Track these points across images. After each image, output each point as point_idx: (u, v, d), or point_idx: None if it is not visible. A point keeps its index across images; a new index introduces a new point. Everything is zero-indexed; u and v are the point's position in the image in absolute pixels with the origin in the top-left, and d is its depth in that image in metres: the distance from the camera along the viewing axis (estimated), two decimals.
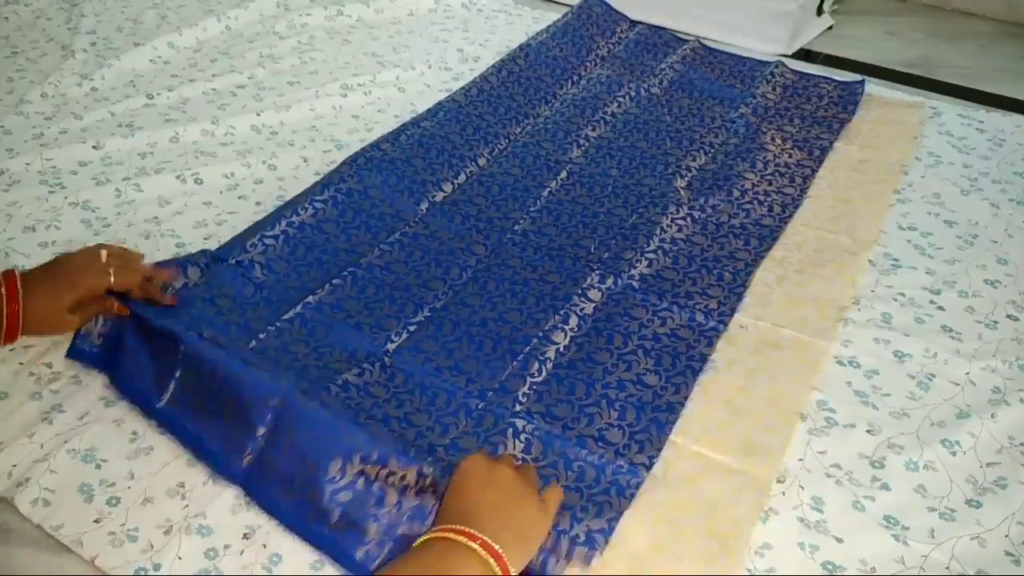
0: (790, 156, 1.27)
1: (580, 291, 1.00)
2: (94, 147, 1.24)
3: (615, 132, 1.33)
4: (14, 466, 0.79)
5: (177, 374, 0.84)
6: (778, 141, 1.30)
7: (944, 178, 1.26)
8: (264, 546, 0.74)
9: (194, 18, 1.65)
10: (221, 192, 1.18)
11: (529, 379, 0.90)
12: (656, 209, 1.14)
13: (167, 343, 0.85)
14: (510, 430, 0.84)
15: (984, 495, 0.80)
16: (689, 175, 1.23)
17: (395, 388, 0.88)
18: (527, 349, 0.93)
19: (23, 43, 1.57)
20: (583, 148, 1.29)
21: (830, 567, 0.74)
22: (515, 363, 0.91)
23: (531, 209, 1.15)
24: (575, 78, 1.49)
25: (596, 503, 0.77)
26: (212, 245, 1.05)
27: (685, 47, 1.58)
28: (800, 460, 0.83)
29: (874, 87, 1.49)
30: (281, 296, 0.97)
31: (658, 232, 1.10)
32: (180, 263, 0.98)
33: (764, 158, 1.26)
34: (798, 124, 1.36)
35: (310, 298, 0.97)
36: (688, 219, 1.14)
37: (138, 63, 1.50)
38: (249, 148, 1.28)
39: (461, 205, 1.15)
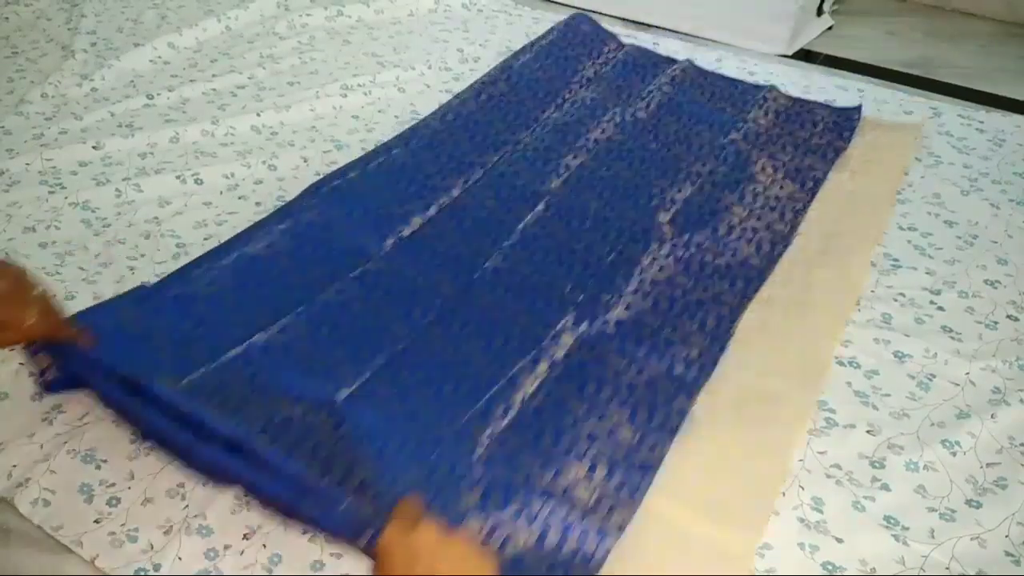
0: (781, 188, 1.20)
1: (552, 335, 0.93)
2: (94, 147, 1.24)
3: (597, 160, 1.25)
4: (14, 466, 0.79)
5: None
6: (769, 171, 1.23)
7: (944, 178, 1.26)
8: (264, 546, 0.74)
9: (194, 18, 1.65)
10: (221, 192, 1.18)
11: (491, 425, 0.83)
12: (637, 246, 1.07)
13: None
14: (464, 480, 0.77)
15: (984, 495, 0.80)
16: (674, 208, 1.15)
17: (339, 437, 0.78)
18: (491, 393, 0.85)
19: (23, 43, 1.57)
20: (563, 177, 1.21)
21: (830, 567, 0.74)
22: (477, 407, 0.84)
23: (504, 245, 1.07)
24: (559, 101, 1.41)
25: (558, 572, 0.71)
26: (212, 245, 1.05)
27: (675, 68, 1.50)
28: (800, 460, 0.83)
29: (869, 102, 1.49)
30: (223, 333, 0.89)
31: (638, 272, 1.03)
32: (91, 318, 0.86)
33: (754, 190, 1.19)
34: (791, 152, 1.28)
35: (256, 337, 0.89)
36: (671, 258, 1.06)
37: (138, 63, 1.50)
38: (249, 148, 1.28)
39: (429, 241, 1.07)
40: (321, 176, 1.17)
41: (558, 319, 0.95)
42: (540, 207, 1.14)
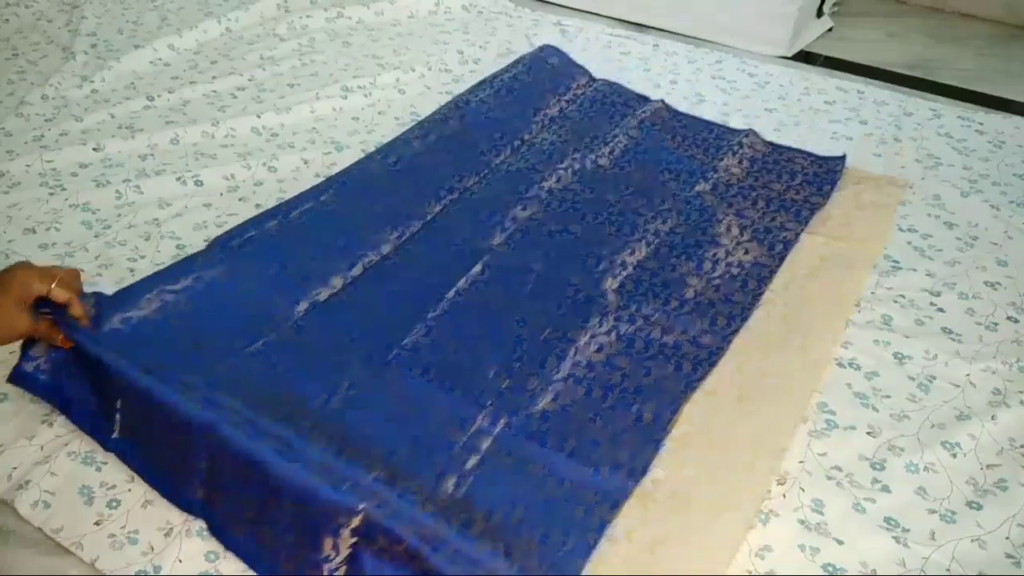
0: (746, 252, 1.07)
1: (464, 439, 0.81)
2: (94, 149, 1.24)
3: (548, 213, 1.13)
4: (14, 468, 0.79)
5: (119, 404, 0.80)
6: (735, 232, 1.10)
7: (944, 180, 1.26)
8: None
9: (194, 20, 1.65)
10: (221, 194, 1.18)
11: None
12: (577, 319, 0.95)
13: (109, 377, 0.81)
14: None
15: (984, 497, 0.80)
16: (623, 274, 1.03)
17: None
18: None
19: (24, 45, 1.57)
20: (508, 232, 1.09)
21: (830, 569, 0.74)
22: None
23: (429, 316, 0.94)
24: (515, 144, 1.27)
25: None
26: None
27: (647, 108, 1.37)
28: (800, 462, 0.83)
29: (869, 103, 1.49)
30: (96, 411, 0.82)
31: (572, 352, 0.91)
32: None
33: (714, 256, 1.06)
34: (761, 208, 1.15)
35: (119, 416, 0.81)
36: (612, 334, 0.94)
37: (138, 65, 1.50)
38: (249, 150, 1.28)
39: (348, 307, 0.95)
40: (321, 177, 1.17)
41: (473, 417, 0.83)
42: (477, 268, 1.02)
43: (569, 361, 0.90)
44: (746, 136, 1.30)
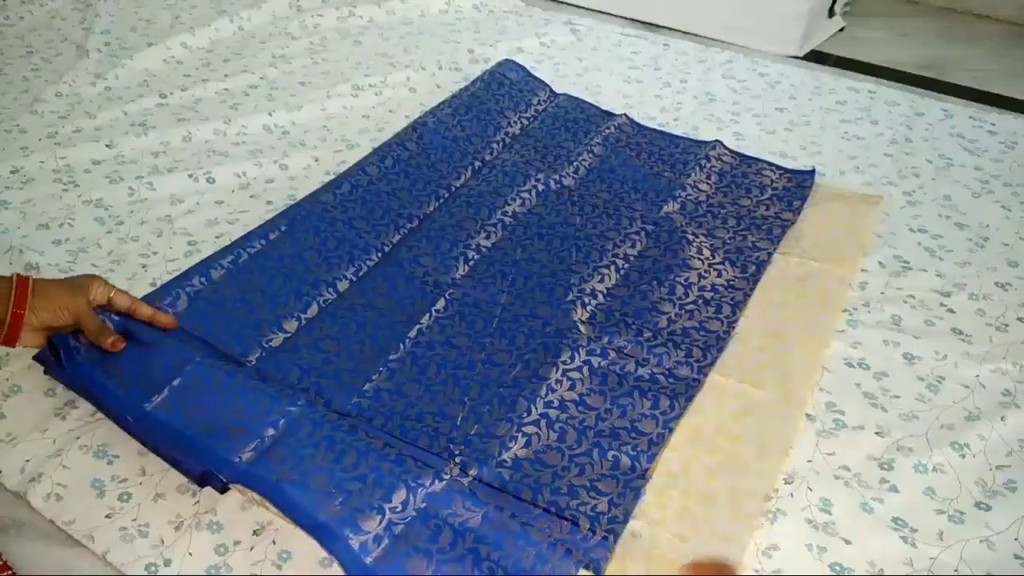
0: (719, 275, 1.03)
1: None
2: (107, 146, 1.25)
3: (513, 240, 1.08)
4: (27, 461, 0.80)
5: (176, 383, 0.81)
6: (706, 253, 1.06)
7: (955, 180, 1.25)
8: (274, 542, 0.74)
9: (207, 18, 1.66)
10: (233, 191, 1.19)
11: None
12: (547, 355, 0.90)
13: (170, 356, 0.83)
14: None
15: (993, 498, 0.79)
16: (593, 303, 0.98)
17: None
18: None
19: (38, 43, 1.59)
20: (471, 264, 1.03)
21: (838, 568, 0.74)
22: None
23: (390, 359, 0.89)
24: (476, 165, 1.22)
25: None
26: (224, 243, 1.06)
27: (611, 124, 1.32)
28: (809, 461, 0.83)
29: (880, 104, 1.49)
30: None
31: (544, 392, 0.86)
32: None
33: (686, 280, 1.02)
34: (732, 227, 1.11)
35: None
36: (585, 368, 0.89)
37: (151, 63, 1.51)
38: (261, 148, 1.29)
39: (302, 352, 0.89)
40: (332, 175, 1.18)
41: (442, 470, 0.77)
42: (440, 304, 0.96)
43: (541, 402, 0.85)
44: (712, 148, 1.26)
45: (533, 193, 1.16)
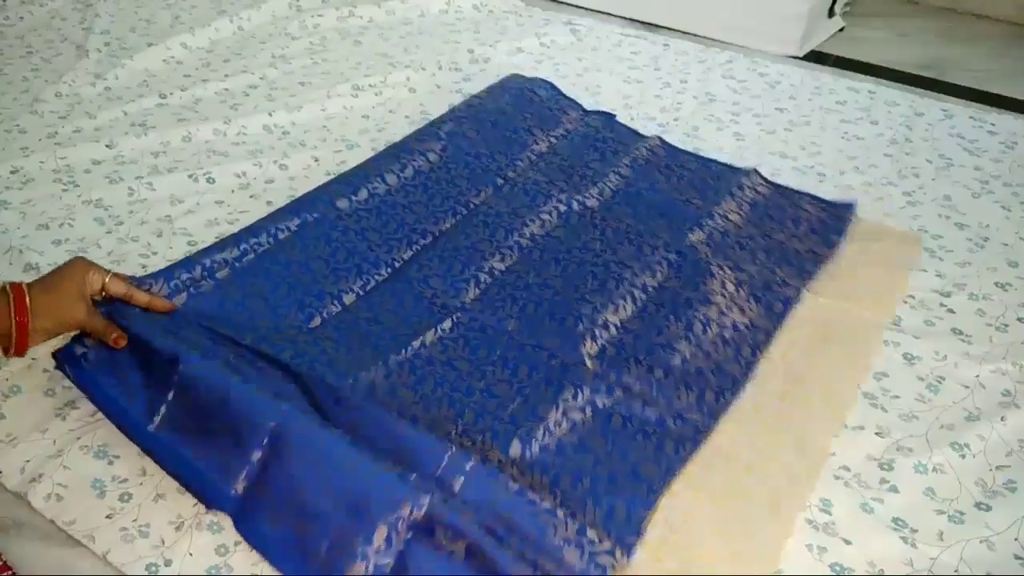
0: (742, 312, 0.97)
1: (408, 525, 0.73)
2: (107, 146, 1.25)
3: (527, 264, 1.03)
4: (27, 461, 0.80)
5: (170, 396, 0.81)
6: (730, 288, 1.00)
7: (955, 181, 1.25)
8: None
9: (207, 19, 1.66)
10: (233, 191, 1.19)
11: None
12: (550, 390, 0.85)
13: (163, 364, 0.82)
14: None
15: (993, 498, 0.79)
16: (604, 336, 0.93)
17: None
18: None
19: (38, 43, 1.59)
20: (483, 287, 0.99)
21: (838, 569, 0.74)
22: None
23: (391, 359, 0.87)
24: (497, 183, 1.17)
25: None
26: None
27: (642, 145, 1.27)
28: None
29: (880, 104, 1.49)
30: None
31: (541, 433, 0.81)
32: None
33: (705, 316, 0.96)
34: (761, 261, 1.05)
35: None
36: (588, 409, 0.84)
37: (151, 63, 1.51)
38: (261, 148, 1.29)
39: (294, 369, 0.84)
40: (333, 175, 1.17)
41: (422, 501, 0.71)
42: (446, 324, 0.92)
43: (536, 443, 0.80)
44: (747, 176, 1.20)
45: (554, 214, 1.11)
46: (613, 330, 0.94)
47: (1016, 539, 0.76)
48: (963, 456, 0.83)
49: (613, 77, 1.53)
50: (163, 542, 0.73)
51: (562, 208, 1.12)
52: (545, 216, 1.10)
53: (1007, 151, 1.33)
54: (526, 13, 1.78)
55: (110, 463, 0.80)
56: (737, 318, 0.97)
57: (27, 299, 0.79)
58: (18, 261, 1.02)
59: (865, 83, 1.53)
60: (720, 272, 1.02)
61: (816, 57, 1.70)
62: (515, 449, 0.79)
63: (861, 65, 1.65)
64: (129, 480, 0.78)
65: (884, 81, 1.55)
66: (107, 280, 0.85)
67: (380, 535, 0.70)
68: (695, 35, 1.71)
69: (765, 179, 1.21)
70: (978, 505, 0.79)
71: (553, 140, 1.29)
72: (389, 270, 1.01)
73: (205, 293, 0.94)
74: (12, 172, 1.18)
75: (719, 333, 0.95)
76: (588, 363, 0.89)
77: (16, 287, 0.79)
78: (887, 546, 0.75)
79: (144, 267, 1.03)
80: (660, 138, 1.29)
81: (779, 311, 0.97)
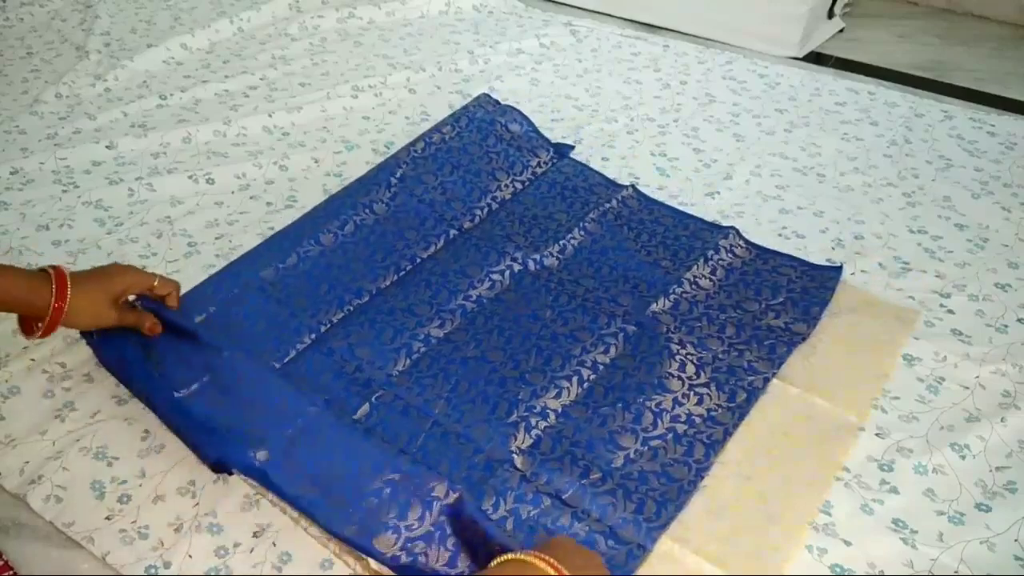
0: (699, 402, 0.87)
1: None
2: (107, 147, 1.25)
3: (468, 331, 0.94)
4: (26, 463, 0.80)
5: (206, 378, 0.83)
6: (690, 371, 0.89)
7: (955, 181, 1.25)
8: (274, 544, 0.74)
9: (207, 20, 1.66)
10: (233, 192, 1.19)
11: None
12: (471, 495, 0.74)
13: (202, 351, 0.85)
14: None
15: (993, 499, 0.79)
16: (540, 427, 0.84)
17: None
18: None
19: (38, 44, 1.59)
20: (414, 357, 0.90)
21: (838, 570, 0.74)
22: None
23: (299, 420, 0.80)
24: (450, 234, 1.07)
25: None
26: (223, 245, 1.06)
27: (613, 196, 1.15)
28: None
29: (880, 104, 1.49)
30: None
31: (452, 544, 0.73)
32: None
33: (658, 405, 0.86)
34: (729, 339, 0.94)
35: None
36: (509, 522, 0.75)
37: (151, 64, 1.51)
38: (260, 149, 1.29)
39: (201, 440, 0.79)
40: (332, 176, 1.18)
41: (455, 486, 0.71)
42: (364, 408, 0.84)
43: None
44: (726, 236, 1.08)
45: (507, 274, 1.02)
46: (552, 417, 0.85)
47: (1016, 540, 0.76)
48: (963, 457, 0.83)
49: (613, 78, 1.53)
50: (162, 544, 0.74)
51: (516, 267, 1.03)
52: (496, 276, 1.01)
53: (1007, 152, 1.33)
54: (526, 14, 1.78)
55: (109, 464, 0.80)
56: (693, 409, 0.86)
57: (68, 288, 0.80)
58: (18, 262, 1.02)
59: (865, 84, 1.52)
60: (680, 351, 0.92)
61: (816, 58, 1.70)
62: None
63: (861, 66, 1.65)
64: (128, 482, 0.79)
65: (884, 82, 1.55)
66: (156, 284, 0.87)
67: (414, 513, 0.72)
68: (695, 36, 1.71)
69: (745, 240, 1.09)
70: (978, 506, 0.79)
71: (518, 186, 1.18)
72: (313, 336, 0.92)
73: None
74: (12, 173, 1.19)
75: (671, 427, 0.84)
76: (517, 461, 0.80)
77: (59, 273, 0.80)
78: (887, 547, 0.75)
79: (144, 268, 1.03)
80: (635, 187, 1.18)
81: (742, 401, 0.87)
